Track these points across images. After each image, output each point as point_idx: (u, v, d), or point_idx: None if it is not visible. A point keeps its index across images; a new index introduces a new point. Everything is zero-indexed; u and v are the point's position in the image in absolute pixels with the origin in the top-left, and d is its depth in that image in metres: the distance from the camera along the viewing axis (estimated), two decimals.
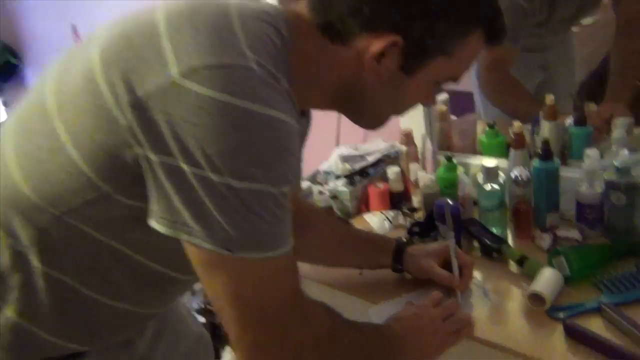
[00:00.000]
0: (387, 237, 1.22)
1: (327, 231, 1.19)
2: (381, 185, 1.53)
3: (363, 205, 1.56)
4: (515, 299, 1.12)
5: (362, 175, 1.57)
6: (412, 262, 1.16)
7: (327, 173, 1.61)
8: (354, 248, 1.19)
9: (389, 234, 1.45)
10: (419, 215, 1.49)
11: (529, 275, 1.15)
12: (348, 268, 1.23)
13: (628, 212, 1.19)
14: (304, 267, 1.32)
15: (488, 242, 1.26)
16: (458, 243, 1.30)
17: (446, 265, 1.15)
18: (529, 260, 1.17)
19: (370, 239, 1.22)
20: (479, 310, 1.10)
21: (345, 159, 1.58)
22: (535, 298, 1.06)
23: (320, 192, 1.55)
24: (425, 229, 1.38)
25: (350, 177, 1.57)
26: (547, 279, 1.08)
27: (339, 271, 1.26)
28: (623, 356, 0.92)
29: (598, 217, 1.23)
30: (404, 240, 1.21)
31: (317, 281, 1.33)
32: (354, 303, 1.27)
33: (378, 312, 1.16)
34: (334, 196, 1.55)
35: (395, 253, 1.17)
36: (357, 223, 1.54)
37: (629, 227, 1.21)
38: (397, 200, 1.55)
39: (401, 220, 1.49)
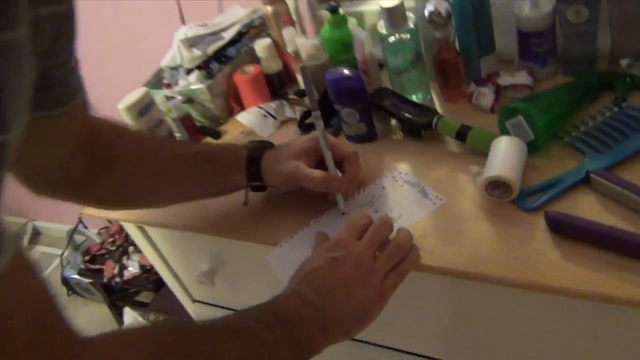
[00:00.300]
0: (236, 146, 0.81)
1: (145, 159, 0.77)
2: (251, 69, 1.09)
3: (234, 102, 1.11)
4: (466, 194, 0.76)
5: (220, 61, 1.11)
6: (273, 172, 0.78)
7: (173, 69, 1.13)
8: (188, 173, 0.79)
9: (276, 135, 1.04)
10: None
11: (477, 151, 0.80)
12: (194, 201, 0.84)
13: (590, 30, 0.84)
14: (154, 215, 0.91)
15: (410, 116, 0.88)
16: (368, 126, 0.92)
17: (323, 164, 0.78)
18: (472, 130, 0.81)
19: (211, 154, 0.80)
20: (421, 223, 0.74)
21: (190, 42, 1.09)
22: (495, 186, 0.71)
23: (168, 98, 1.08)
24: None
25: (204, 67, 1.10)
26: (504, 154, 0.73)
27: (215, 207, 0.86)
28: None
29: (550, 48, 0.87)
30: (263, 143, 0.82)
31: (183, 229, 0.91)
32: (245, 250, 0.88)
33: (278, 259, 0.78)
34: (189, 99, 1.09)
35: (248, 166, 0.78)
36: (230, 129, 1.10)
37: (592, 51, 0.86)
38: (277, 84, 1.12)
39: (288, 111, 1.07)
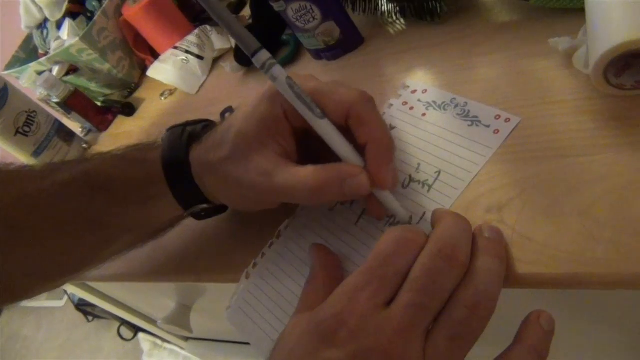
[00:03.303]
0: (145, 148, 0.41)
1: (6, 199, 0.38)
2: None
3: (140, 51, 0.72)
4: (558, 99, 0.36)
5: None
6: (220, 185, 0.38)
7: (40, 28, 0.74)
8: (57, 222, 0.39)
9: (212, 85, 0.65)
10: (248, 15, 0.67)
11: (554, 6, 0.39)
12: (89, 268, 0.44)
13: None
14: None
15: None
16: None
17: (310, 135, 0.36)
18: None
19: (100, 175, 0.40)
20: (479, 180, 0.35)
21: None
22: (623, 66, 0.32)
23: (40, 74, 0.69)
24: (265, 39, 0.58)
25: (78, 11, 0.70)
26: None
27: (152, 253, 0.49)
28: None
29: None
30: (189, 127, 0.40)
31: (118, 281, 0.56)
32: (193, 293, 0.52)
33: (237, 317, 0.41)
34: (72, 68, 0.71)
35: (171, 181, 0.39)
36: (147, 94, 0.72)
37: None
38: (195, 4, 0.72)
39: (218, 40, 0.67)
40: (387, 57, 0.49)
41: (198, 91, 0.66)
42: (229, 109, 0.58)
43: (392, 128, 0.42)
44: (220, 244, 0.45)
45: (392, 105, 0.43)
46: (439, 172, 0.37)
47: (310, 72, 0.53)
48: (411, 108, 0.42)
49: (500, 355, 0.28)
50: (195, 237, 0.47)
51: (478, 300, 0.27)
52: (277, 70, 0.34)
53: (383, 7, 0.51)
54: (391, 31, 0.51)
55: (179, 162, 0.38)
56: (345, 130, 0.35)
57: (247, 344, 0.39)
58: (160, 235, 0.44)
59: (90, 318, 2.02)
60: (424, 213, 0.35)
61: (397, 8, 0.50)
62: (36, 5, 0.69)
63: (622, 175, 0.30)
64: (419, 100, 0.42)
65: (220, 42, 0.66)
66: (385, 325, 0.27)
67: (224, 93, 0.62)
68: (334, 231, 0.38)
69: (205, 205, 0.40)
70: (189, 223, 0.46)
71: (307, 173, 0.33)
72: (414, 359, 0.27)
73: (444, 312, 0.28)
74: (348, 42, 0.52)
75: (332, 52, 0.53)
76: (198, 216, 0.42)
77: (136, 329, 1.75)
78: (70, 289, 0.78)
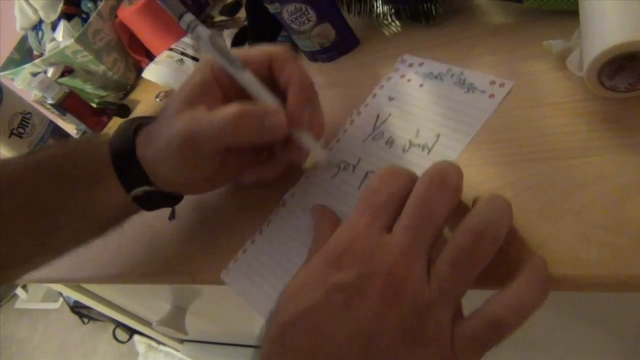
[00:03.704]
0: (97, 141, 0.41)
1: None
2: None
3: (135, 52, 0.72)
4: (551, 100, 0.36)
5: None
6: (159, 157, 0.39)
7: (35, 29, 0.74)
8: (25, 206, 0.40)
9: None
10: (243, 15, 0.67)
11: (547, 8, 0.39)
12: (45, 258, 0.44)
13: None
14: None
15: None
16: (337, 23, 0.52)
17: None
18: None
19: (52, 164, 0.41)
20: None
21: None
22: (617, 69, 0.32)
23: (35, 75, 0.69)
24: (261, 40, 0.59)
25: (73, 13, 0.70)
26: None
27: (132, 234, 0.49)
28: None
29: None
30: (137, 119, 0.42)
31: (101, 282, 0.56)
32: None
33: (236, 277, 0.42)
34: (67, 69, 0.70)
35: (119, 168, 0.40)
36: (143, 96, 0.72)
37: None
38: (190, 7, 0.72)
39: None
40: (382, 59, 0.49)
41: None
42: None
43: (391, 99, 0.43)
44: (214, 246, 0.44)
45: (390, 78, 0.45)
46: (438, 136, 0.38)
47: None
48: (409, 80, 0.43)
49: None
50: (189, 239, 0.47)
51: (484, 226, 0.28)
52: (201, 29, 0.38)
53: (378, 9, 0.51)
54: (386, 33, 0.51)
55: (125, 145, 0.39)
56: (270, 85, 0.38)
57: (243, 345, 0.39)
58: (110, 228, 0.44)
59: (85, 320, 2.01)
60: None
61: (392, 10, 0.50)
62: (31, 6, 0.69)
63: (616, 177, 0.31)
64: (416, 73, 0.43)
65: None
66: (387, 248, 0.28)
67: None
68: (338, 196, 0.39)
69: (147, 187, 0.40)
70: (184, 224, 0.46)
71: (228, 108, 0.36)
72: (416, 280, 0.28)
73: (450, 239, 0.28)
74: (343, 44, 0.52)
75: (328, 53, 0.53)
76: (145, 204, 0.42)
77: (131, 332, 1.75)
78: (66, 291, 0.77)
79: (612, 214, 0.29)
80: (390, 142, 0.40)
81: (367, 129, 0.42)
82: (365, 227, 0.30)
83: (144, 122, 0.41)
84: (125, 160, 0.39)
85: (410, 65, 0.45)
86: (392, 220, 0.30)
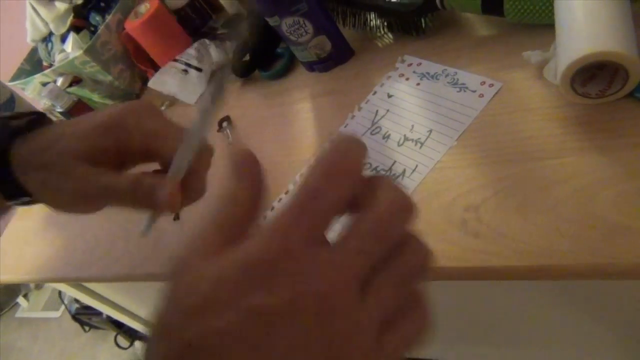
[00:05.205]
0: None
1: None
2: (145, 7, 0.71)
3: (141, 63, 0.75)
4: (532, 103, 0.39)
5: (98, 9, 0.73)
6: (47, 180, 0.38)
7: (45, 41, 0.77)
8: None
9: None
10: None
11: (526, 22, 0.42)
12: None
13: None
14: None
15: (396, 0, 0.50)
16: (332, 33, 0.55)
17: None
18: None
19: None
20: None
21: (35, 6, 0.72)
22: (588, 77, 0.35)
23: (45, 85, 0.72)
24: (261, 51, 0.62)
25: (82, 25, 0.74)
26: (593, 10, 0.35)
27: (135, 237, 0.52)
28: None
29: None
30: (11, 124, 0.39)
31: (92, 281, 0.58)
32: None
33: None
34: (76, 79, 0.73)
35: None
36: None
37: None
38: (196, 21, 0.75)
39: (217, 53, 0.70)
40: (376, 69, 0.52)
41: (197, 101, 0.69)
42: (226, 118, 0.61)
43: (390, 96, 0.47)
44: None
45: (390, 76, 0.49)
46: (430, 131, 0.42)
47: (304, 83, 0.57)
48: (407, 79, 0.47)
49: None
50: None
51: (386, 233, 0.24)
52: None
53: (372, 22, 0.54)
54: (379, 45, 0.54)
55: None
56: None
57: None
58: None
59: (87, 328, 2.02)
60: (416, 166, 0.40)
61: (385, 23, 0.53)
62: (42, 19, 0.72)
63: (588, 175, 0.33)
64: (414, 72, 0.47)
65: (219, 54, 0.69)
66: (326, 272, 0.23)
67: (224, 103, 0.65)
68: None
69: (27, 199, 0.39)
70: (189, 224, 0.49)
71: (124, 177, 0.37)
72: (350, 303, 0.23)
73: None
74: (339, 55, 0.55)
75: (324, 64, 0.56)
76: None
77: (133, 338, 1.76)
78: (71, 291, 0.80)
79: (583, 208, 0.32)
80: (386, 137, 0.44)
81: (366, 123, 0.46)
82: (299, 240, 0.23)
83: (18, 127, 0.39)
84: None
85: (409, 65, 0.48)
86: (328, 228, 0.23)
